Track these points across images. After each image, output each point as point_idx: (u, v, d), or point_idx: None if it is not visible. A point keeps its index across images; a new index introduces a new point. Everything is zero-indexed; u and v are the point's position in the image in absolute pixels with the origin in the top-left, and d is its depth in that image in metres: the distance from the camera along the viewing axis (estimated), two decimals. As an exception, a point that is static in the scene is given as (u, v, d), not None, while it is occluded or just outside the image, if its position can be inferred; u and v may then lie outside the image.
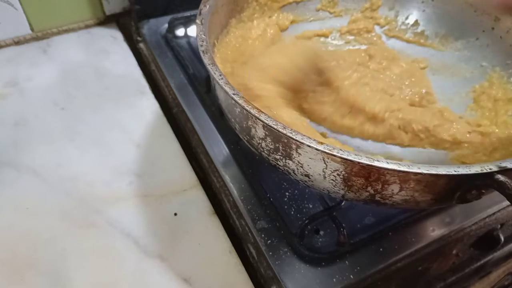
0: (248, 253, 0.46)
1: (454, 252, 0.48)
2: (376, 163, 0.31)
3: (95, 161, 0.52)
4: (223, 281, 0.43)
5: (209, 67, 0.38)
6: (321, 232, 0.46)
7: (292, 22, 0.62)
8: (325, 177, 0.35)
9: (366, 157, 0.31)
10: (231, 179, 0.50)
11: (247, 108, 0.35)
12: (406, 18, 0.64)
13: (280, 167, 0.39)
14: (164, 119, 0.57)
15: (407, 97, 0.55)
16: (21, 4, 0.62)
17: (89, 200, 0.48)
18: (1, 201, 0.47)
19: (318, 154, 0.33)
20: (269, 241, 0.44)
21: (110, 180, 0.50)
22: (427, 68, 0.60)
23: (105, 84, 0.61)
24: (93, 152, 0.53)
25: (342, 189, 0.36)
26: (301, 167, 0.36)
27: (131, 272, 0.43)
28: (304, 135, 0.33)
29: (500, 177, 0.31)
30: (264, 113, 0.34)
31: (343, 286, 0.42)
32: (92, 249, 0.44)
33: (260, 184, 0.49)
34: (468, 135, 0.49)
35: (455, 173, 0.31)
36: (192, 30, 0.68)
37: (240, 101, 0.35)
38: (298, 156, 0.35)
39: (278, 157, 0.37)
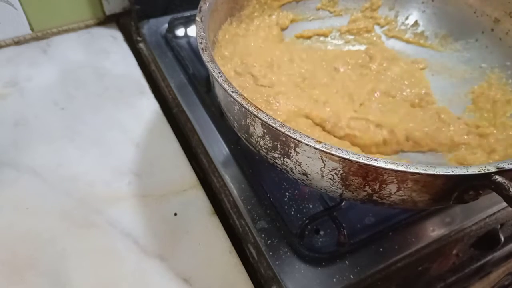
0: (248, 253, 0.46)
1: (454, 252, 0.48)
2: (373, 163, 0.31)
3: (95, 161, 0.52)
4: (223, 281, 0.43)
5: (208, 65, 0.38)
6: (321, 232, 0.46)
7: (292, 21, 0.62)
8: (323, 176, 0.35)
9: (364, 156, 0.31)
10: (231, 179, 0.50)
11: (245, 105, 0.35)
12: (406, 18, 0.64)
13: (278, 165, 0.39)
14: (164, 119, 0.58)
15: (408, 99, 0.55)
16: (21, 4, 0.62)
17: (89, 200, 0.48)
18: (1, 201, 0.47)
19: (316, 153, 0.33)
20: (269, 241, 0.45)
21: (110, 180, 0.50)
22: (426, 69, 0.60)
23: (105, 84, 0.61)
24: (93, 152, 0.53)
25: (340, 188, 0.36)
26: (299, 165, 0.36)
27: (131, 272, 0.43)
28: (302, 134, 0.33)
29: (498, 178, 0.31)
30: (263, 111, 0.34)
31: (343, 286, 0.42)
32: (92, 249, 0.44)
33: (260, 184, 0.49)
34: (466, 137, 0.49)
35: (453, 173, 0.31)
36: (192, 30, 0.68)
37: (239, 99, 0.35)
38: (296, 154, 0.35)
39: (276, 155, 0.37)
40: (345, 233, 0.44)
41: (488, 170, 0.31)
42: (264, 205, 0.47)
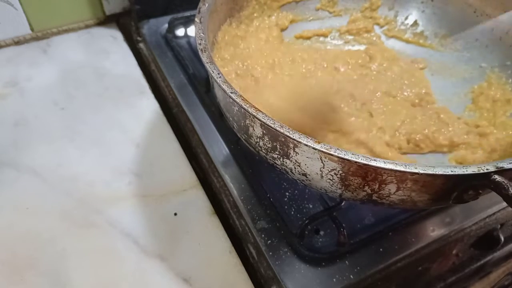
0: (248, 253, 0.46)
1: (454, 252, 0.48)
2: (373, 163, 0.31)
3: (95, 161, 0.52)
4: (223, 281, 0.43)
5: (207, 66, 0.38)
6: (321, 232, 0.46)
7: (292, 21, 0.62)
8: (322, 176, 0.35)
9: (363, 156, 0.31)
10: (231, 179, 0.50)
11: (244, 106, 0.35)
12: (406, 18, 0.64)
13: (277, 166, 0.39)
14: (164, 119, 0.58)
15: (408, 99, 0.55)
16: (21, 4, 0.62)
17: (89, 200, 0.48)
18: (1, 201, 0.47)
19: (315, 153, 0.33)
20: (269, 241, 0.45)
21: (110, 180, 0.50)
22: (426, 69, 0.60)
23: (105, 84, 0.61)
24: (93, 152, 0.53)
25: (339, 188, 0.36)
26: (299, 166, 0.36)
27: (131, 272, 0.43)
28: (301, 134, 0.32)
29: (497, 177, 0.31)
30: (262, 112, 0.34)
31: (343, 286, 0.42)
32: (92, 249, 0.44)
33: (260, 184, 0.49)
34: (466, 136, 0.49)
35: (452, 173, 0.31)
36: (192, 30, 0.68)
37: (238, 100, 0.35)
38: (296, 155, 0.35)
39: (275, 156, 0.37)
40: (345, 233, 0.44)
41: (487, 169, 0.31)
42: (264, 205, 0.47)
